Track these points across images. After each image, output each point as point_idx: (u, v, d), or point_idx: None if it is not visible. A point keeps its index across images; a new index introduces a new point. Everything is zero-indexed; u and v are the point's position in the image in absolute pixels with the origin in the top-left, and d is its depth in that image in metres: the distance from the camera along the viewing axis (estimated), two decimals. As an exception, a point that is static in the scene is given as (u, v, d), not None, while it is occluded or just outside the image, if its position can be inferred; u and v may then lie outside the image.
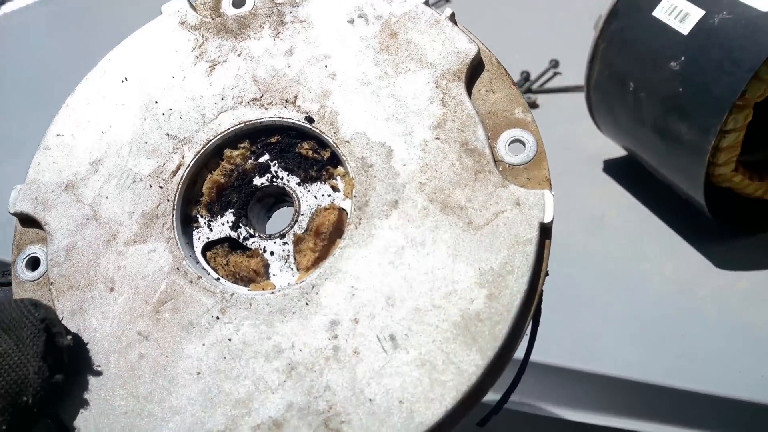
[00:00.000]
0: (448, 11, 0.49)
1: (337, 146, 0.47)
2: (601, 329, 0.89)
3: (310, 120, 0.48)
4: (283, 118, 0.49)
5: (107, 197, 0.48)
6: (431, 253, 0.43)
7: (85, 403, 0.43)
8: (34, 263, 0.49)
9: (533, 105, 1.31)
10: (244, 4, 0.52)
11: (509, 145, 0.46)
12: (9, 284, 0.50)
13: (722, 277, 0.96)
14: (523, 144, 0.45)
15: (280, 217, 0.53)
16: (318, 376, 0.41)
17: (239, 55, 0.51)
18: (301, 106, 0.48)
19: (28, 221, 0.50)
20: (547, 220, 0.43)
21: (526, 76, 1.37)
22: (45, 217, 0.49)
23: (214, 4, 0.53)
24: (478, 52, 0.47)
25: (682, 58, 0.85)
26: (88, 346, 0.45)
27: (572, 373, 0.85)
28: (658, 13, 0.89)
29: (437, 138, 0.46)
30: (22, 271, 0.49)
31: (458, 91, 0.46)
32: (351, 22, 0.49)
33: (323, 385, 0.41)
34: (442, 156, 0.45)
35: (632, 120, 0.97)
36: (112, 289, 0.46)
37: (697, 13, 0.84)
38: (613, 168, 1.16)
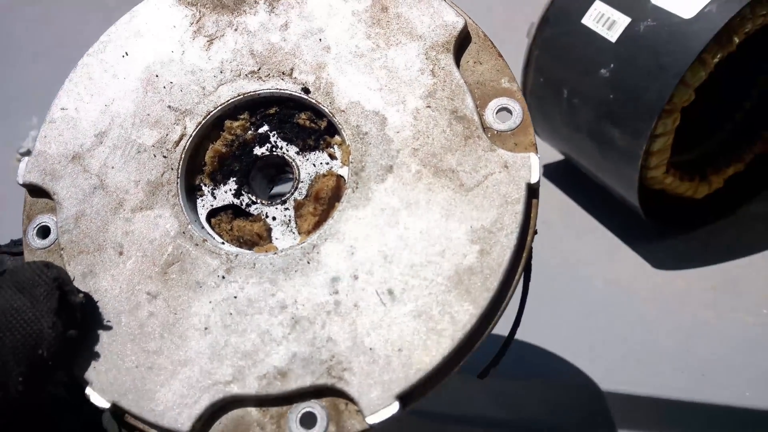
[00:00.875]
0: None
1: (333, 115, 0.49)
2: (543, 335, 0.89)
3: (306, 91, 0.50)
4: (280, 89, 0.51)
5: (113, 167, 0.50)
6: (425, 213, 0.45)
7: (97, 358, 0.45)
8: (44, 232, 0.50)
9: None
10: None
11: (497, 113, 0.48)
12: (20, 254, 0.52)
13: (660, 277, 0.98)
14: (510, 112, 0.48)
15: (283, 189, 0.55)
16: (320, 328, 0.43)
17: (236, 30, 0.52)
18: (298, 78, 0.51)
19: (37, 191, 0.51)
20: (533, 181, 0.45)
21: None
22: (53, 187, 0.50)
23: None
24: (465, 25, 0.50)
25: (612, 65, 0.87)
26: (99, 306, 0.47)
27: (515, 382, 0.85)
28: (587, 20, 0.90)
29: (428, 106, 0.48)
30: (33, 239, 0.50)
31: (447, 62, 0.49)
32: None
33: (325, 336, 0.43)
34: (434, 123, 0.47)
35: (568, 126, 0.98)
36: (120, 253, 0.48)
37: (623, 21, 0.86)
38: (552, 172, 1.18)
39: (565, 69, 0.94)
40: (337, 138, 0.51)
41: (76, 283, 0.47)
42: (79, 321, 0.44)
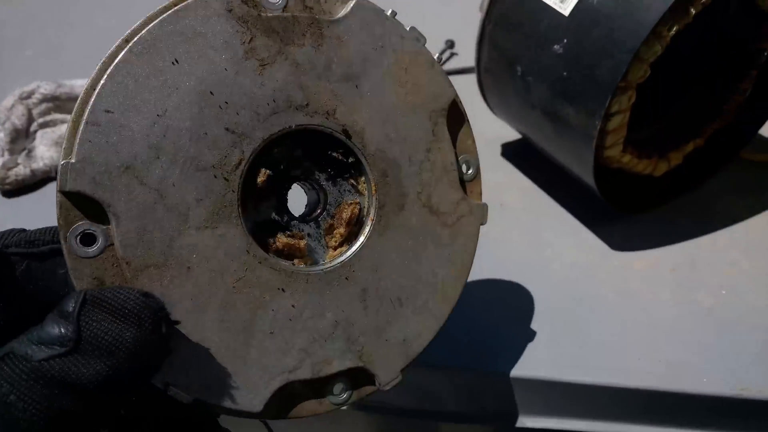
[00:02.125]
0: (437, 55, 0.64)
1: (366, 158, 0.60)
2: (503, 324, 0.87)
3: (346, 133, 0.59)
4: (325, 126, 0.58)
5: (173, 184, 0.50)
6: (424, 242, 0.62)
7: (179, 364, 0.50)
8: (88, 239, 0.49)
9: (431, 89, 1.26)
10: None
11: (463, 165, 0.66)
12: (41, 255, 0.50)
13: (619, 259, 0.95)
14: (470, 165, 0.66)
15: (295, 199, 0.62)
16: (354, 328, 0.58)
17: (286, 60, 0.55)
18: (338, 120, 0.58)
19: (78, 199, 0.48)
20: (485, 223, 0.67)
21: (422, 59, 1.31)
22: (108, 198, 0.48)
23: None
24: (455, 96, 0.64)
25: (565, 40, 0.82)
26: (177, 318, 0.51)
27: (472, 373, 0.82)
28: (539, -8, 0.85)
29: (429, 160, 0.62)
30: (77, 247, 0.48)
31: (443, 124, 0.63)
32: (375, 50, 0.59)
33: (358, 333, 0.58)
34: (431, 174, 0.62)
35: (523, 104, 0.94)
36: (189, 268, 0.51)
37: (576, -7, 0.81)
38: (510, 152, 1.14)
39: (519, 44, 0.90)
40: (359, 173, 0.61)
41: None
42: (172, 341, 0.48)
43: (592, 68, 0.80)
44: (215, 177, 0.52)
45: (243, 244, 0.53)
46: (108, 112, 0.49)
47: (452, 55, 1.35)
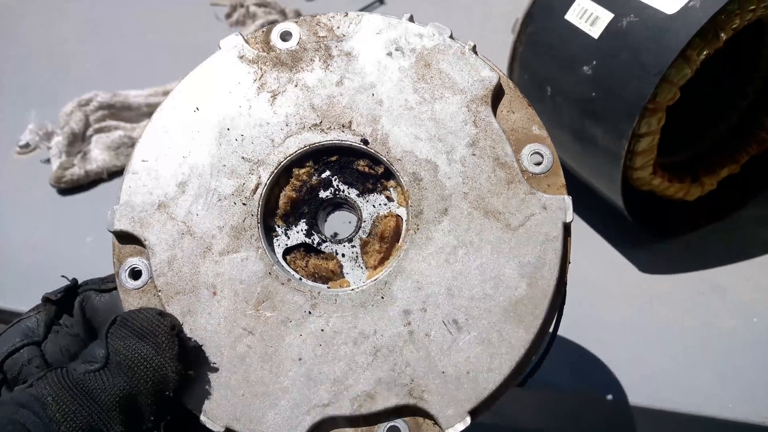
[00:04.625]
0: (470, 44, 0.58)
1: (391, 164, 0.56)
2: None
3: (365, 142, 0.56)
4: (342, 140, 0.57)
5: (197, 215, 0.55)
6: (479, 250, 0.53)
7: (208, 389, 0.51)
8: (135, 273, 0.55)
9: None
10: (290, 38, 0.59)
11: (530, 157, 0.55)
12: (108, 291, 0.57)
13: (646, 282, 0.95)
14: (542, 156, 0.54)
15: (333, 220, 0.62)
16: (399, 356, 0.51)
17: (296, 86, 0.58)
18: (356, 130, 0.56)
19: (124, 237, 0.56)
20: (568, 220, 0.52)
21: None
22: (144, 234, 0.55)
23: (264, 38, 0.59)
24: (499, 79, 0.56)
25: (594, 62, 0.84)
26: (203, 342, 0.52)
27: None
28: (570, 16, 0.87)
29: (473, 154, 0.55)
30: (126, 281, 0.55)
31: (486, 113, 0.55)
32: (389, 54, 0.57)
33: (404, 362, 0.51)
34: (479, 170, 0.54)
35: (552, 124, 0.95)
36: (214, 293, 0.53)
37: (606, 17, 0.83)
38: (541, 172, 1.15)
39: (549, 66, 0.92)
40: (392, 182, 0.57)
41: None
42: (191, 362, 0.50)
43: (619, 89, 0.81)
44: (234, 204, 0.56)
45: (264, 266, 0.54)
46: (144, 161, 0.57)
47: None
